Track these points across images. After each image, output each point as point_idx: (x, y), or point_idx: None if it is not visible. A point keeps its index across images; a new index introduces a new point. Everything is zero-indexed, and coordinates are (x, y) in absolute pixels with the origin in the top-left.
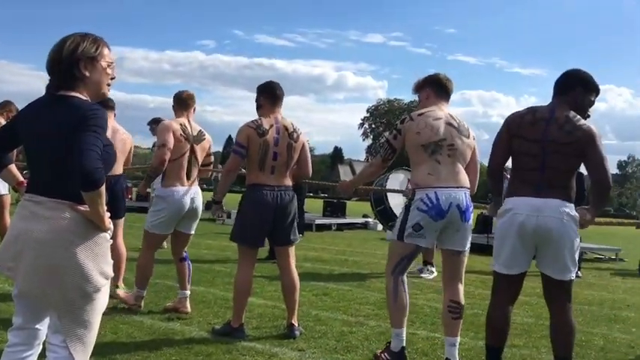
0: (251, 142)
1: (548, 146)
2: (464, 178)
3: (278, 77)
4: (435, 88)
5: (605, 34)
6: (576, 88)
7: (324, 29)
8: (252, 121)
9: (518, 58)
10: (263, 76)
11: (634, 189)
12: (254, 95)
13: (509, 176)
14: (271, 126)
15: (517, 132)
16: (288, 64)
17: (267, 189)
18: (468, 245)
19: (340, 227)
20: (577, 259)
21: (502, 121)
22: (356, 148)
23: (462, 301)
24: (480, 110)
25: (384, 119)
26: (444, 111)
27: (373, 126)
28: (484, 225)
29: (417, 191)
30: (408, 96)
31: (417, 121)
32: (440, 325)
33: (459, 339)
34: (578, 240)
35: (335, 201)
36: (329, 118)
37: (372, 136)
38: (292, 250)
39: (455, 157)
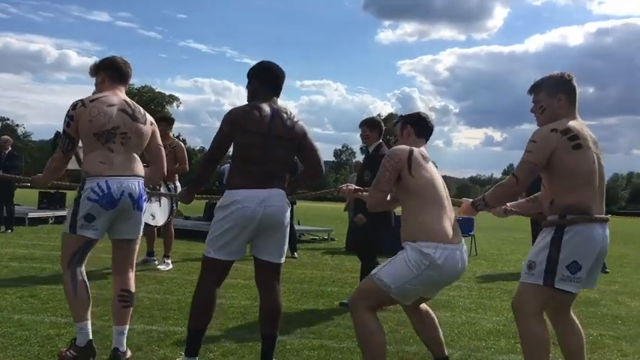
0: None
1: (272, 139)
2: (138, 167)
3: None
4: (110, 72)
5: (323, 34)
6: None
7: (40, 1)
8: None
9: (248, 49)
10: None
11: (347, 174)
12: None
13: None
14: None
15: (243, 126)
16: None
17: None
18: (139, 233)
19: (59, 220)
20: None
21: None
22: None
23: (133, 289)
24: (213, 98)
25: None
26: (119, 96)
27: None
28: (212, 212)
29: (87, 180)
30: (136, 80)
31: (89, 108)
32: (157, 318)
33: (127, 327)
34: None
35: (53, 192)
36: (49, 100)
37: None
38: None
39: (129, 146)
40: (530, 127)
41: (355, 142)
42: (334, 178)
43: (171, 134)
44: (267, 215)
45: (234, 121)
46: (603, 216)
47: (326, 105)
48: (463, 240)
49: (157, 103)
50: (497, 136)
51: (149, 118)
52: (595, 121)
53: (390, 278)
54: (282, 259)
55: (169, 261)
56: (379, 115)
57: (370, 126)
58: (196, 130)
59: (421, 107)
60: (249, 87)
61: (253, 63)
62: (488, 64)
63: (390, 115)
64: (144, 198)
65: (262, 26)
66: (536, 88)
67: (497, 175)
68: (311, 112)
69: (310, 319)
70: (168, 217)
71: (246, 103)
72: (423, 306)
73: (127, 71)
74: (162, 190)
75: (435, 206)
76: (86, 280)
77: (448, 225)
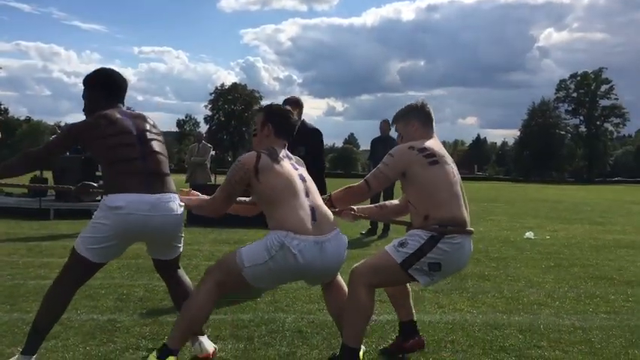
0: None
1: (142, 135)
2: None
3: None
4: None
5: None
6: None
7: None
8: None
9: (78, 10)
10: None
11: (188, 144)
12: None
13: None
14: None
15: (102, 134)
16: None
17: None
18: None
19: None
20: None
21: (64, 77)
22: None
23: None
24: (40, 64)
25: None
26: None
27: None
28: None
29: None
30: None
31: None
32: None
33: None
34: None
35: None
36: None
37: None
38: None
39: None
40: (369, 98)
41: (199, 112)
42: (177, 149)
43: None
44: (157, 226)
45: (79, 135)
46: (472, 229)
47: (167, 73)
48: (337, 232)
49: None
50: (339, 106)
51: None
52: (425, 92)
53: (247, 256)
54: (177, 253)
55: None
56: (222, 84)
57: (293, 105)
58: (21, 98)
59: (265, 77)
60: (87, 96)
61: (85, 26)
62: (329, 35)
63: (234, 85)
64: None
65: None
66: (395, 121)
67: (339, 144)
68: (152, 81)
69: (144, 295)
70: None
71: (85, 115)
72: (337, 282)
73: None
74: None
75: (285, 203)
76: None
77: (303, 216)
